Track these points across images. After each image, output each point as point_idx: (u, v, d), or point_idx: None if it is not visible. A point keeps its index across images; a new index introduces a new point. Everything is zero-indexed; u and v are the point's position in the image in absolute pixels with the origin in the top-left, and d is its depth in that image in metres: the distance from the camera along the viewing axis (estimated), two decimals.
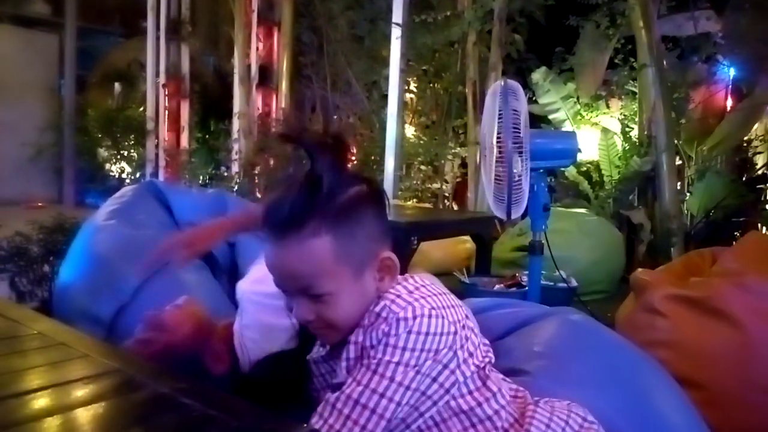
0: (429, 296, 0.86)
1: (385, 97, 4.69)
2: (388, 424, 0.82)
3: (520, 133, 2.18)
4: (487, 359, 0.91)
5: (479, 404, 0.88)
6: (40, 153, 7.43)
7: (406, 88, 5.26)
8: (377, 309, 0.84)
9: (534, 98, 4.95)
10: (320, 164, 0.83)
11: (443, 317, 0.84)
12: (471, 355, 0.87)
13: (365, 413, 0.80)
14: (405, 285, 0.88)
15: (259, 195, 5.69)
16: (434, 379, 0.84)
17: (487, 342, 0.96)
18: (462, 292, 2.95)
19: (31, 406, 0.58)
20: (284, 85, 6.30)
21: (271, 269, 0.86)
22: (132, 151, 7.50)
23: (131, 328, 1.50)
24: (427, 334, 0.82)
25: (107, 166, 7.62)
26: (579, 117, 5.02)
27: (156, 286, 1.55)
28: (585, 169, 4.84)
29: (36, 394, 0.60)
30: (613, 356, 1.21)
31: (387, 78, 4.60)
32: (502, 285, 3.05)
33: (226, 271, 1.89)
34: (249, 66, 6.29)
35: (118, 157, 7.56)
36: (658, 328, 1.93)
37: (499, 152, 2.24)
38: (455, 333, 0.85)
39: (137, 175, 7.29)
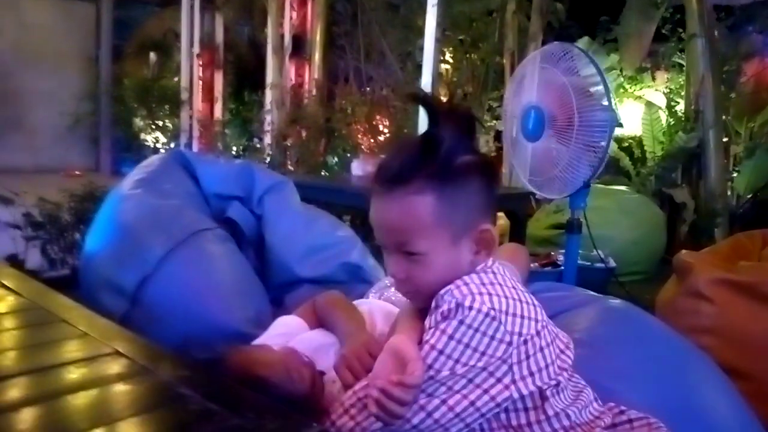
0: (498, 296, 0.82)
1: (420, 68, 4.56)
2: (426, 415, 0.78)
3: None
4: (554, 382, 0.84)
5: (529, 424, 0.83)
6: (77, 122, 7.52)
7: (442, 58, 5.11)
8: (442, 291, 0.82)
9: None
10: (443, 128, 0.85)
11: (500, 322, 0.79)
12: (533, 374, 0.82)
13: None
14: (482, 276, 0.85)
15: (290, 167, 5.66)
16: (485, 391, 0.79)
17: (567, 362, 0.89)
18: None
19: (9, 392, 0.53)
20: (317, 56, 6.19)
21: (374, 222, 0.89)
22: (167, 121, 7.54)
23: (154, 300, 1.48)
24: (476, 330, 0.79)
25: (142, 135, 7.68)
26: (622, 90, 4.82)
27: (180, 257, 1.52)
28: (627, 144, 4.66)
29: (17, 379, 0.55)
30: (659, 346, 1.13)
31: (422, 48, 4.46)
32: (536, 264, 2.97)
33: (253, 243, 1.84)
34: (282, 36, 6.21)
35: (153, 126, 7.61)
36: (702, 313, 1.84)
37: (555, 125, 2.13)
38: (509, 344, 0.80)
39: (171, 145, 7.33)
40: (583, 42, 4.81)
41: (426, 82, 4.35)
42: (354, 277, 1.77)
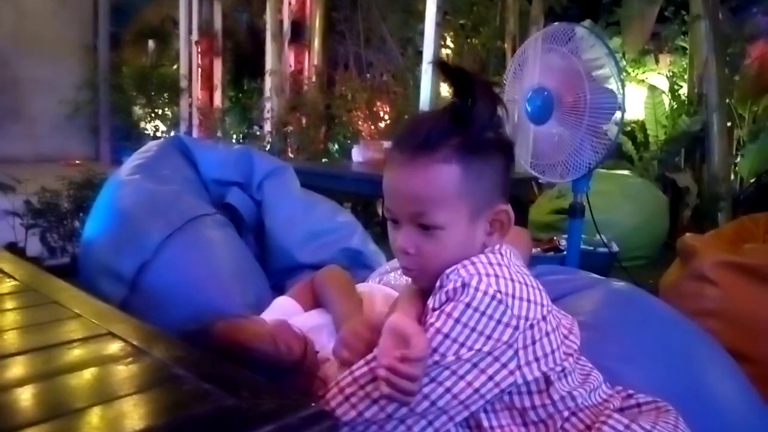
0: (504, 278, 0.79)
1: (420, 53, 4.52)
2: (429, 404, 0.76)
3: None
4: (559, 368, 0.82)
5: (534, 407, 0.81)
6: (77, 111, 7.49)
7: (442, 43, 5.06)
8: (448, 270, 0.80)
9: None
10: (478, 100, 0.82)
11: (507, 306, 0.77)
12: (538, 359, 0.80)
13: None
14: (490, 256, 0.83)
15: (291, 154, 5.63)
16: (490, 377, 0.77)
17: (572, 347, 0.87)
18: None
19: (9, 371, 0.52)
20: (317, 42, 6.14)
21: (390, 191, 0.85)
22: (166, 109, 7.50)
23: (153, 286, 1.46)
24: (482, 314, 0.76)
25: (142, 124, 7.65)
26: (625, 73, 4.77)
27: (179, 243, 1.50)
28: (629, 128, 4.62)
29: (16, 358, 0.54)
30: (664, 329, 1.11)
31: (422, 34, 4.41)
32: (538, 249, 2.95)
33: (253, 229, 1.83)
34: (281, 22, 6.15)
35: (153, 115, 7.57)
36: (707, 296, 1.82)
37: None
38: (516, 328, 0.78)
39: (171, 133, 7.30)
40: (585, 25, 4.75)
41: (427, 67, 4.31)
42: (355, 263, 1.75)
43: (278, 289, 1.66)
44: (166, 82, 7.42)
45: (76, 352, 0.55)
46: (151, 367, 0.53)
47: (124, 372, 0.53)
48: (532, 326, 0.79)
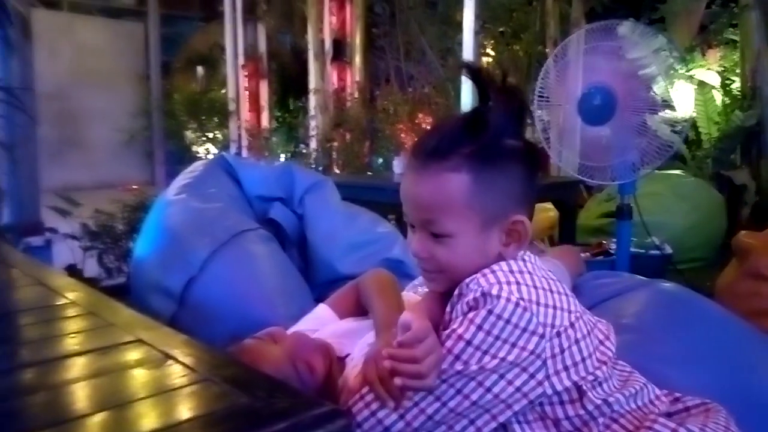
0: (527, 285, 0.77)
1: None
2: (446, 408, 0.75)
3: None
4: (592, 377, 0.80)
5: (568, 417, 0.79)
6: (132, 137, 7.82)
7: (482, 51, 5.05)
8: (468, 280, 0.78)
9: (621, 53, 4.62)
10: (493, 106, 0.81)
11: (532, 313, 0.75)
12: (567, 368, 0.77)
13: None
14: (511, 263, 0.81)
15: (336, 170, 5.70)
16: (518, 389, 0.75)
17: (607, 354, 0.84)
18: None
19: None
20: (358, 59, 6.23)
21: (403, 196, 0.85)
22: (216, 132, 7.74)
23: (200, 300, 1.51)
24: (506, 321, 0.74)
25: (194, 147, 7.90)
26: (672, 71, 4.63)
27: (224, 258, 1.55)
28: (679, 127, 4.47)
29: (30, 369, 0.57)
30: (714, 330, 1.07)
31: (461, 44, 4.41)
32: (587, 253, 2.88)
33: (296, 243, 1.86)
34: (323, 41, 6.28)
35: (204, 138, 7.82)
36: (764, 295, 1.74)
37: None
38: (541, 336, 0.75)
39: None
40: (627, 24, 4.65)
41: (467, 76, 4.29)
42: (396, 273, 1.74)
43: (322, 301, 1.68)
44: (216, 106, 7.66)
45: (104, 358, 0.58)
46: (173, 370, 0.55)
47: (149, 375, 0.55)
48: (558, 334, 0.76)
